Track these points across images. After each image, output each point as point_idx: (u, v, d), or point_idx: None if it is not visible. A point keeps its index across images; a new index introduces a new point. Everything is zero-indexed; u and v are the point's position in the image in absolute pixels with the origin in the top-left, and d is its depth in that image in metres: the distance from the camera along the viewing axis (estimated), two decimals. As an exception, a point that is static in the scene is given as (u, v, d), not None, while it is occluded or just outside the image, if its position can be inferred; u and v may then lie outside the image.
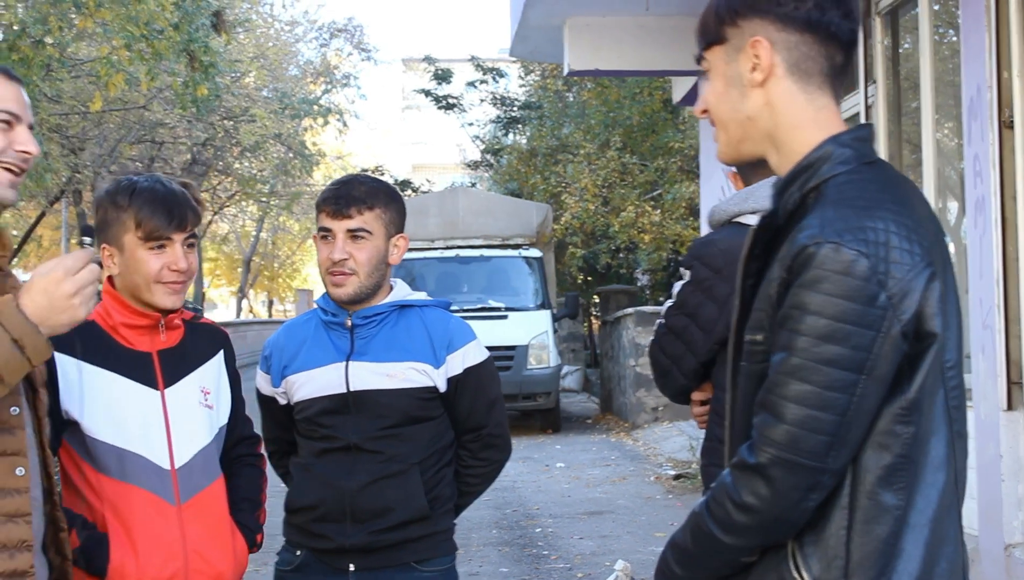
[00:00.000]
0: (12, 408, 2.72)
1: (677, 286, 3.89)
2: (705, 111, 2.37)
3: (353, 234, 3.67)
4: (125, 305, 3.44)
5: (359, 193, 3.69)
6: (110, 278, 3.49)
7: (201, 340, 3.59)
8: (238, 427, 3.68)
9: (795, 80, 2.24)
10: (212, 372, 3.58)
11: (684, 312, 3.80)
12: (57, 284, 2.61)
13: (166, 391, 3.44)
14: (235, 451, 3.68)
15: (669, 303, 3.90)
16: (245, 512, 3.63)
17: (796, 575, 2.16)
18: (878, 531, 2.13)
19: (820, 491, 2.12)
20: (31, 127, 2.83)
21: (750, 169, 3.81)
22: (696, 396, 3.92)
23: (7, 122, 2.78)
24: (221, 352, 3.63)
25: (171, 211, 3.40)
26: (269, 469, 3.82)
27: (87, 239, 3.25)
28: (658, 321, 3.94)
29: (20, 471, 2.71)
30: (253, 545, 3.63)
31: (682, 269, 3.82)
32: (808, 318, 2.09)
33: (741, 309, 2.33)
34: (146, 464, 3.35)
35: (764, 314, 2.20)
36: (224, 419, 3.59)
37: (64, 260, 2.65)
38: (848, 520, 2.14)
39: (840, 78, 2.28)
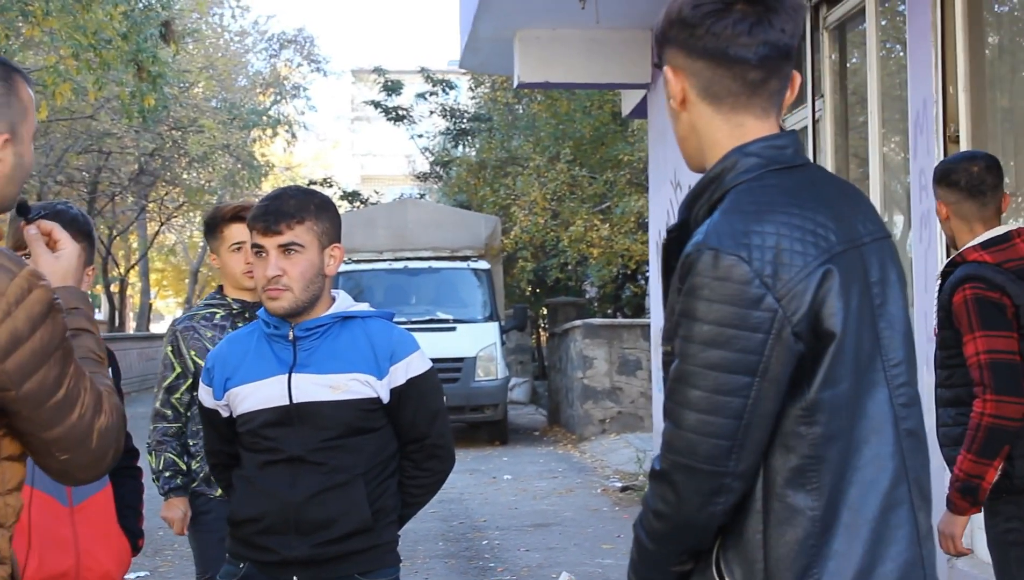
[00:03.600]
0: None
1: None
2: None
3: (285, 249, 3.64)
4: None
5: (288, 208, 3.65)
6: None
7: None
8: None
9: (708, 103, 2.28)
10: None
11: None
12: (78, 260, 2.78)
13: None
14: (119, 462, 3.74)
15: None
16: (129, 518, 3.89)
17: None
18: (792, 533, 2.13)
19: (726, 494, 2.13)
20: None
21: None
22: None
23: None
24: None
25: None
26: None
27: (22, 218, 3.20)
28: None
29: None
30: (135, 549, 3.89)
31: None
32: (694, 325, 2.12)
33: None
34: None
35: (670, 325, 2.22)
36: None
37: (69, 246, 2.79)
38: (763, 523, 2.15)
39: (762, 92, 2.28)
